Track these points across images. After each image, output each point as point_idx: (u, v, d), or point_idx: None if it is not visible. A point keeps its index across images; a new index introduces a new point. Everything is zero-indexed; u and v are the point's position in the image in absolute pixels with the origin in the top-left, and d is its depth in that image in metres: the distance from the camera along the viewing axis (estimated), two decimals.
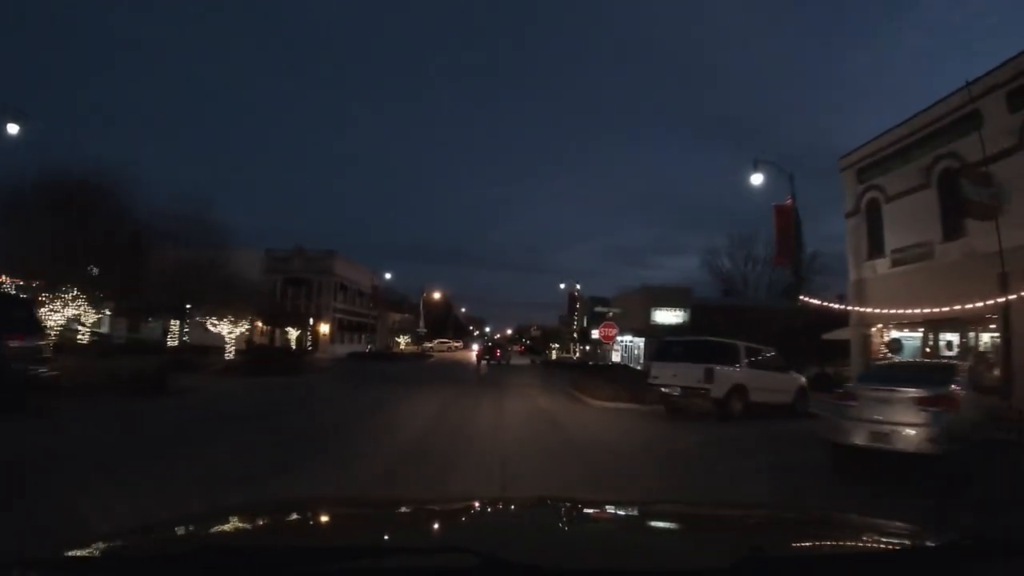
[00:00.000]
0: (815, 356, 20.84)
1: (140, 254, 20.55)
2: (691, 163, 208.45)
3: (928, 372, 7.83)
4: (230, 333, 23.18)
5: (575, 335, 59.94)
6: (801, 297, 17.64)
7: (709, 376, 11.95)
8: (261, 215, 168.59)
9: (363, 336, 48.29)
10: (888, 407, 6.64)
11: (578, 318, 57.68)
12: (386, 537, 1.54)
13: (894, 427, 6.54)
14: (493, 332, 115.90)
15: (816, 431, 8.76)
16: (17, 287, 17.26)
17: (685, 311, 38.19)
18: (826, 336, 20.63)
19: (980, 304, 12.21)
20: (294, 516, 1.74)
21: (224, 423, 9.57)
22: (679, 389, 12.49)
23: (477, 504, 2.03)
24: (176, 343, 25.90)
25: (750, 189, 16.44)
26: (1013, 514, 5.03)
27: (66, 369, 10.64)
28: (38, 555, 1.08)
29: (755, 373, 12.66)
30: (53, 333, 16.29)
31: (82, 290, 17.66)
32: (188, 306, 23.11)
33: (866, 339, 17.68)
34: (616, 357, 28.84)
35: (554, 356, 61.33)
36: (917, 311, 14.85)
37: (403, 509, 1.98)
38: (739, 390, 12.17)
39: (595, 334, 45.68)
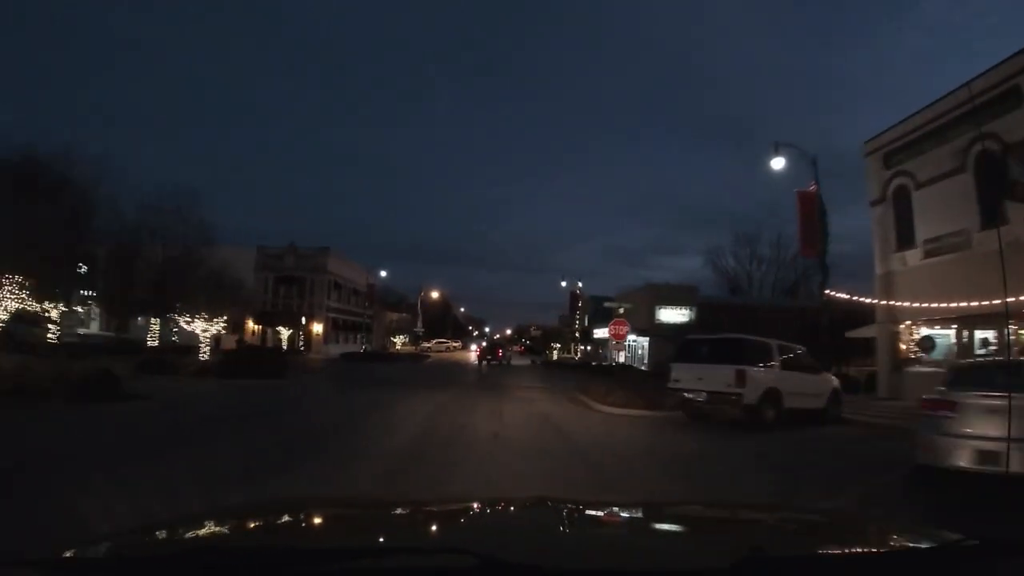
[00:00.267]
0: (835, 355, 19.59)
1: (88, 241, 19.14)
2: (691, 163, 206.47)
3: None
4: (204, 331, 21.91)
5: (577, 335, 58.76)
6: (827, 291, 16.28)
7: (741, 379, 10.48)
8: (261, 215, 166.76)
9: (358, 336, 47.15)
10: (1004, 418, 4.83)
11: (580, 317, 56.52)
12: (386, 537, 1.54)
13: (1019, 444, 4.88)
14: (492, 332, 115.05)
15: (866, 441, 7.39)
16: None
17: (691, 310, 37.35)
18: (849, 334, 19.40)
19: None
20: (294, 516, 1.71)
21: (151, 444, 7.35)
22: (705, 394, 11.06)
23: (476, 505, 2.02)
24: (156, 343, 24.72)
25: (770, 174, 15.20)
26: None
27: None
28: (38, 555, 1.06)
29: (789, 375, 11.26)
30: None
31: (28, 278, 16.17)
32: (177, 304, 21.82)
33: (894, 336, 16.54)
34: (621, 358, 27.55)
35: (555, 356, 60.28)
36: (952, 305, 13.80)
37: (403, 510, 1.96)
38: (772, 394, 10.73)
39: (598, 333, 44.68)
